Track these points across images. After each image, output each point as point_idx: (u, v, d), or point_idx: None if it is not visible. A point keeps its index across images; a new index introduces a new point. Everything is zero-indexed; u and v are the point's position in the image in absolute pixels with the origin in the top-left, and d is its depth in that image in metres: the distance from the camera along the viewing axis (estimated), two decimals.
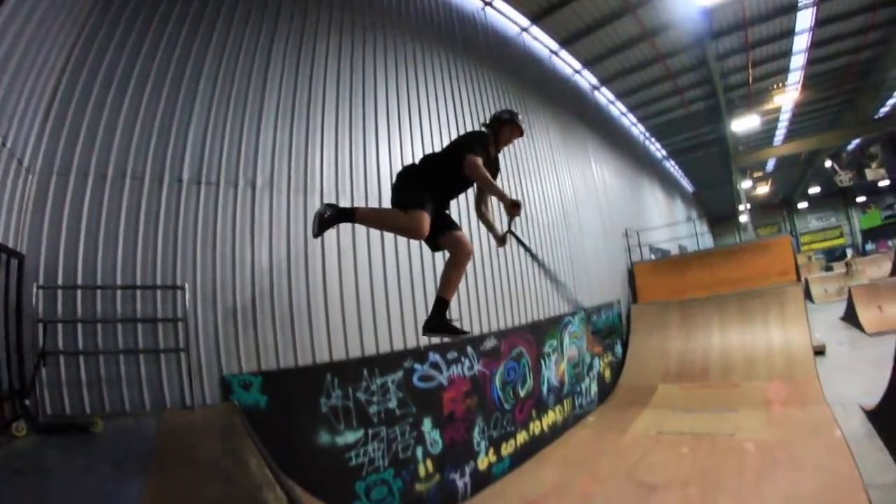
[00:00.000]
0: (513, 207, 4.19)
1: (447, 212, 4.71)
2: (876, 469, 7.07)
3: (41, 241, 5.16)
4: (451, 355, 8.23)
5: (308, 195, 7.12)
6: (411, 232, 4.29)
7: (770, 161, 34.36)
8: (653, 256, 19.09)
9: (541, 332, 10.61)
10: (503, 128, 4.77)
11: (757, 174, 36.27)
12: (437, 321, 4.58)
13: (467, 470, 8.19)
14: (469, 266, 8.75)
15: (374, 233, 7.49)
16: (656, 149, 27.58)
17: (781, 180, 40.41)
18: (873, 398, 8.86)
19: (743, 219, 33.31)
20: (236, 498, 3.53)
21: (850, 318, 16.16)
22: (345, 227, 6.98)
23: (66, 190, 5.40)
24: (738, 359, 12.78)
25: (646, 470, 8.44)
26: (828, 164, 33.35)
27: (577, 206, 13.73)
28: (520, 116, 4.82)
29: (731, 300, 13.88)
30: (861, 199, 43.52)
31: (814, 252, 41.37)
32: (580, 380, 11.97)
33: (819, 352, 12.65)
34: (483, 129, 4.84)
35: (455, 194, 4.80)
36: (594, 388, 12.60)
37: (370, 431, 6.92)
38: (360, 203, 7.62)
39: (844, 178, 33.02)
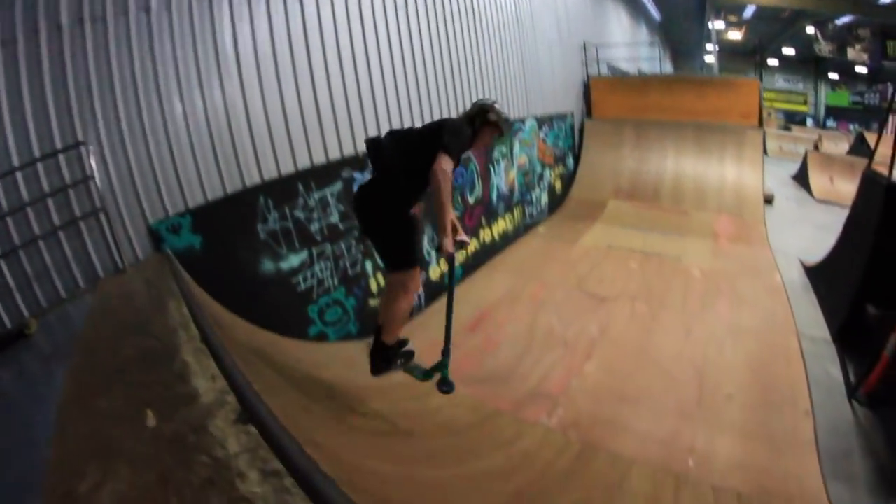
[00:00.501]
0: (441, 253, 3.66)
1: None
2: (808, 321, 7.32)
3: None
4: None
5: (214, 11, 5.75)
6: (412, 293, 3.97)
7: (750, 8, 32.64)
8: (609, 74, 18.23)
9: None
10: (485, 129, 4.12)
11: (732, 18, 34.76)
12: (382, 363, 4.18)
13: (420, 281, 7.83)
14: (414, 64, 7.95)
15: (296, 34, 6.39)
16: None
17: (756, 31, 38.74)
18: (813, 256, 9.08)
19: (709, 59, 32.47)
20: (151, 349, 3.29)
21: (802, 179, 16.51)
22: (263, 26, 6.00)
23: None
24: (689, 187, 12.77)
25: (596, 281, 8.45)
26: (811, 29, 32.02)
27: (531, 10, 12.40)
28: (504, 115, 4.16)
29: (689, 129, 13.58)
30: (834, 75, 42.86)
31: (774, 110, 41.27)
32: (530, 189, 11.65)
33: (768, 200, 12.88)
34: (464, 120, 4.14)
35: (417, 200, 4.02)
36: (545, 199, 12.37)
37: (314, 251, 6.37)
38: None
39: (824, 49, 32.14)
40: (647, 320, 7.29)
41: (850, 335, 6.65)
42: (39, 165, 4.61)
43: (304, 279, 6.25)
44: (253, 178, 5.85)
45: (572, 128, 14.17)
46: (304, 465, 2.06)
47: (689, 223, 11.55)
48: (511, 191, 10.72)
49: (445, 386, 4.34)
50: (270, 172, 6.00)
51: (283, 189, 6.07)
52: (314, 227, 6.36)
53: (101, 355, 3.42)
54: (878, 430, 5.23)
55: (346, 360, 5.86)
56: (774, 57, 42.48)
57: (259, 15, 5.97)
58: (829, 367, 6.34)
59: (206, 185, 5.50)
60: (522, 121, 11.27)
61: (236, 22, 5.81)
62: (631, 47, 22.37)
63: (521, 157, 11.10)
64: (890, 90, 29.57)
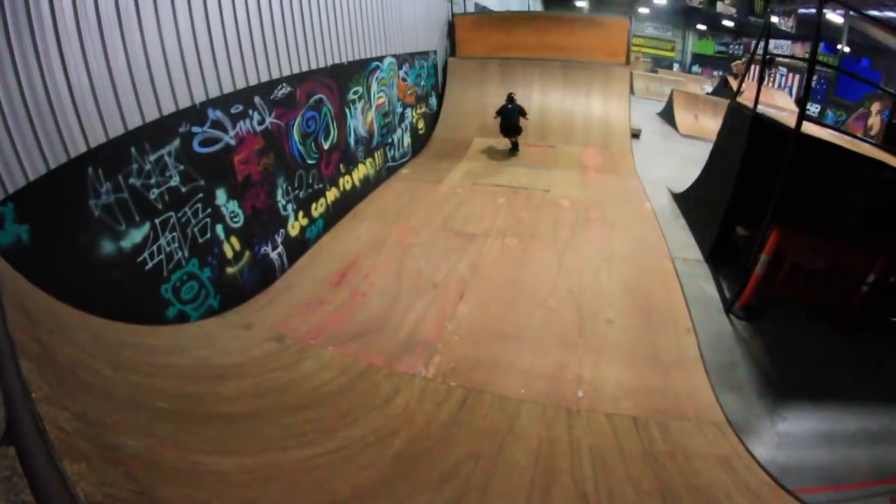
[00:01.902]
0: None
1: None
2: (679, 244, 7.50)
3: None
4: (236, 109, 6.62)
5: None
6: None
7: None
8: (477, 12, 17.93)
9: (343, 76, 9.21)
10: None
11: None
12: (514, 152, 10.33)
13: (278, 239, 7.27)
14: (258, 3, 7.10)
15: None
16: None
17: None
18: (679, 186, 9.33)
19: (580, 3, 32.98)
20: None
21: (667, 116, 17.10)
22: None
23: None
24: (556, 122, 12.74)
25: (462, 219, 8.14)
26: None
27: None
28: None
29: (555, 66, 13.50)
30: (702, 26, 45.50)
31: (643, 55, 43.02)
32: (391, 131, 11.13)
33: (635, 135, 13.12)
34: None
35: None
36: (407, 140, 11.90)
37: (157, 222, 5.49)
38: None
39: (695, 0, 33.86)
40: (518, 253, 7.08)
41: (722, 255, 6.91)
42: None
43: (151, 256, 5.42)
44: (78, 147, 4.85)
45: (435, 66, 13.75)
46: (51, 491, 1.64)
47: (557, 156, 11.50)
48: (370, 134, 10.14)
49: None
50: (97, 137, 5.01)
51: (114, 155, 5.15)
52: (153, 194, 5.48)
53: None
54: (757, 340, 5.52)
55: (206, 338, 5.35)
56: (645, 6, 44.32)
57: None
58: (705, 285, 6.51)
59: (24, 162, 4.48)
60: (380, 59, 10.62)
61: None
62: None
63: (379, 98, 10.49)
64: (755, 44, 31.80)
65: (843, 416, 4.60)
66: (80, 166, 4.81)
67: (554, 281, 6.39)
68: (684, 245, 7.45)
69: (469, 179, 10.01)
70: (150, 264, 5.38)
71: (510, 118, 11.12)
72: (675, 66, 43.57)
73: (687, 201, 8.76)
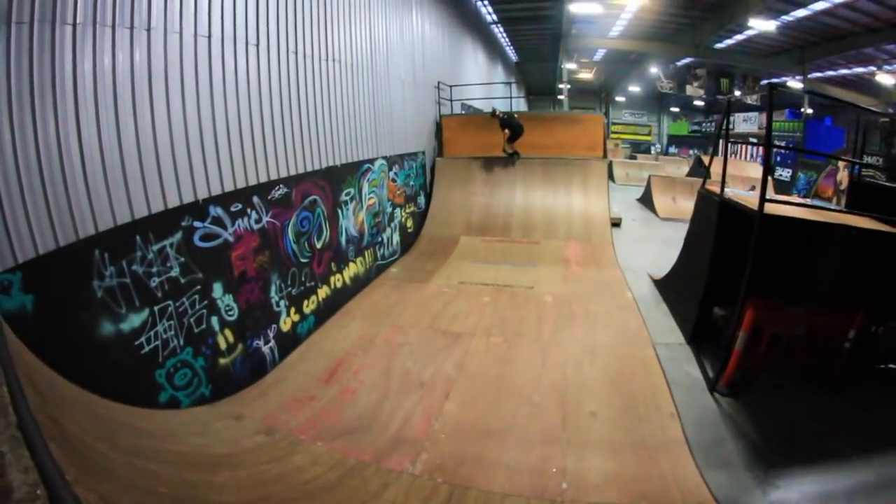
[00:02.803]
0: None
1: None
2: (661, 330, 7.71)
3: None
4: (235, 207, 6.99)
5: (56, 37, 5.02)
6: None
7: (600, 51, 34.88)
8: (463, 112, 18.67)
9: (336, 178, 9.62)
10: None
11: (584, 60, 36.70)
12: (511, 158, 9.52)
13: (270, 334, 7.44)
14: (254, 103, 7.46)
15: (140, 72, 5.69)
16: (487, 12, 25.97)
17: (606, 71, 41.32)
18: (660, 270, 9.62)
19: (562, 97, 34.20)
20: None
21: (646, 201, 17.71)
22: (107, 60, 5.40)
23: None
24: (539, 219, 13.07)
25: (449, 319, 8.34)
26: (654, 70, 35.08)
27: (387, 51, 12.34)
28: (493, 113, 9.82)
29: (537, 164, 14.00)
30: (675, 109, 47.59)
31: (622, 141, 44.50)
32: (381, 230, 11.44)
33: (615, 224, 13.53)
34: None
35: None
36: (396, 239, 12.20)
37: (156, 309, 5.74)
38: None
39: (666, 86, 35.76)
40: (503, 351, 7.26)
41: (703, 336, 7.13)
42: None
43: (148, 340, 5.60)
44: (87, 230, 5.15)
45: (423, 167, 14.21)
46: None
47: (540, 252, 11.78)
48: (361, 233, 10.46)
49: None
50: (105, 221, 5.31)
51: (120, 241, 5.43)
52: (154, 282, 5.74)
53: None
54: (743, 414, 5.64)
55: (200, 426, 5.47)
56: (622, 94, 46.14)
57: (103, 48, 5.35)
58: (687, 367, 6.69)
59: (36, 236, 4.74)
60: (371, 161, 11.08)
61: (78, 53, 5.15)
62: (487, 87, 23.03)
63: (370, 199, 10.87)
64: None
65: (838, 472, 4.68)
66: (88, 247, 5.12)
67: (538, 377, 6.55)
68: (666, 329, 7.67)
69: (456, 278, 10.24)
70: (147, 349, 5.57)
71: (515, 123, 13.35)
72: (654, 149, 45.29)
73: (666, 286, 9.03)
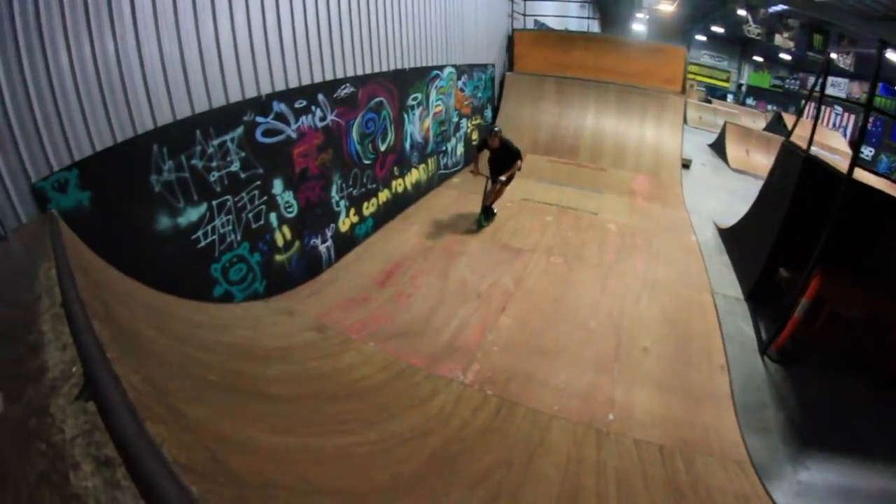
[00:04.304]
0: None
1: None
2: (721, 280, 7.46)
3: None
4: (300, 104, 6.88)
5: None
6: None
7: None
8: (536, 29, 17.85)
9: (404, 82, 9.40)
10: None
11: None
12: (484, 216, 8.82)
13: (328, 233, 7.44)
14: (321, 1, 7.31)
15: None
16: None
17: (688, 5, 39.36)
18: (726, 220, 9.28)
19: (638, 27, 32.62)
20: (10, 320, 2.85)
21: (718, 148, 16.87)
22: None
23: None
24: (608, 146, 12.69)
25: (511, 234, 8.25)
26: (742, 11, 32.50)
27: None
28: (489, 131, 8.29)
29: (611, 90, 13.45)
30: (758, 58, 44.06)
31: (697, 83, 42.11)
32: (446, 139, 11.27)
33: (685, 165, 13.01)
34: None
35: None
36: (460, 150, 12.03)
37: (214, 203, 5.73)
38: None
39: (753, 31, 32.83)
40: (562, 272, 7.16)
41: (762, 295, 6.82)
42: None
43: (205, 235, 5.64)
44: (145, 124, 5.08)
45: (493, 80, 13.78)
46: (139, 450, 1.64)
47: (607, 180, 11.49)
48: (426, 140, 10.31)
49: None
50: (164, 116, 5.22)
51: (179, 135, 5.38)
52: (213, 176, 5.71)
53: None
54: (789, 384, 5.41)
55: (252, 320, 5.52)
56: (703, 34, 43.50)
57: None
58: (742, 324, 6.45)
59: (93, 133, 4.68)
60: (440, 68, 10.79)
61: None
62: (561, 6, 22.10)
63: (437, 106, 10.65)
64: (811, 80, 30.92)
65: (866, 473, 4.53)
66: (146, 142, 5.07)
67: (596, 303, 6.46)
68: (726, 281, 7.42)
69: (519, 194, 10.04)
70: (203, 243, 5.61)
71: (501, 157, 8.38)
72: (730, 98, 42.14)
73: (732, 238, 8.71)
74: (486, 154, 8.51)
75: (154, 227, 5.14)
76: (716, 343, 5.95)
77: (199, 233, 5.56)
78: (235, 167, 5.94)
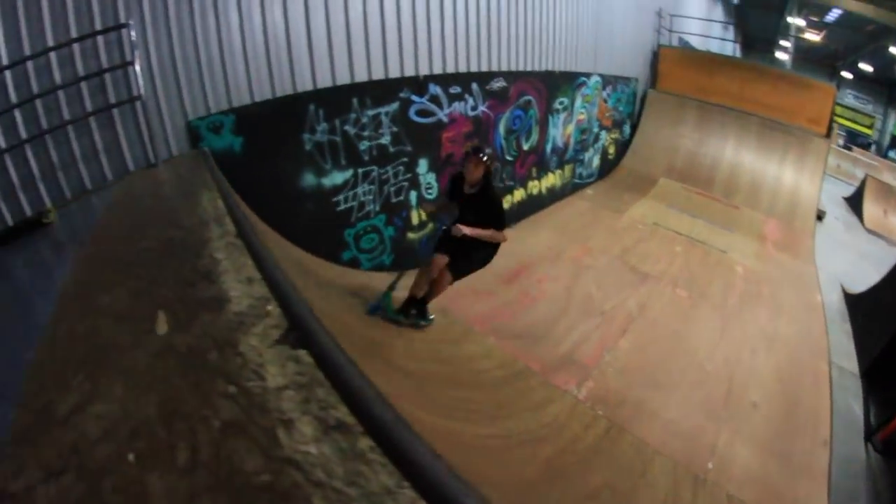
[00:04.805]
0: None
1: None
2: (839, 349, 7.13)
3: None
4: (454, 90, 7.20)
5: None
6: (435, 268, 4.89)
7: (834, 11, 30.98)
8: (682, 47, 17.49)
9: (553, 84, 9.54)
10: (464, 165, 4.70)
11: (813, 17, 32.91)
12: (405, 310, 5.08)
13: None
14: None
15: None
16: None
17: (835, 38, 36.83)
18: (853, 284, 8.86)
19: (781, 56, 31.10)
20: (174, 240, 2.85)
21: (854, 203, 15.77)
22: None
23: None
24: (744, 182, 12.36)
25: (639, 257, 8.27)
26: (894, 49, 30.41)
27: None
28: (473, 149, 4.71)
29: (753, 122, 13.03)
30: None
31: (837, 126, 39.49)
32: (585, 148, 11.31)
33: (819, 216, 12.38)
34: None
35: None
36: (596, 161, 12.03)
37: (360, 171, 6.09)
38: None
39: None
40: (686, 307, 7.14)
41: (879, 375, 6.53)
42: (76, 46, 4.27)
43: (346, 199, 6.04)
44: (305, 85, 5.52)
45: (635, 95, 13.65)
46: (385, 419, 1.44)
47: (739, 219, 11.24)
48: (566, 146, 10.40)
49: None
50: (325, 80, 5.67)
51: (337, 100, 5.74)
52: (363, 145, 6.08)
53: (115, 246, 3.07)
54: (888, 480, 5.17)
55: (379, 291, 5.68)
56: (849, 70, 40.64)
57: None
58: (852, 401, 6.22)
59: (254, 86, 5.17)
60: (588, 76, 10.81)
61: None
62: (705, 25, 21.43)
63: (581, 114, 10.72)
64: None
65: None
66: (304, 102, 5.44)
67: (714, 346, 6.42)
68: (844, 352, 7.13)
69: (651, 218, 10.04)
70: (342, 207, 5.97)
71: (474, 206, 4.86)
72: (872, 148, 39.35)
73: (857, 306, 8.33)
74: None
75: (298, 182, 5.52)
76: (823, 416, 5.78)
77: (340, 196, 5.94)
78: (386, 140, 6.30)
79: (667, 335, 6.43)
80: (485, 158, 4.52)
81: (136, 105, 4.47)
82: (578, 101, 10.51)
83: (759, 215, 11.53)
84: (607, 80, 11.74)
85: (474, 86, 7.50)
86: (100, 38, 4.34)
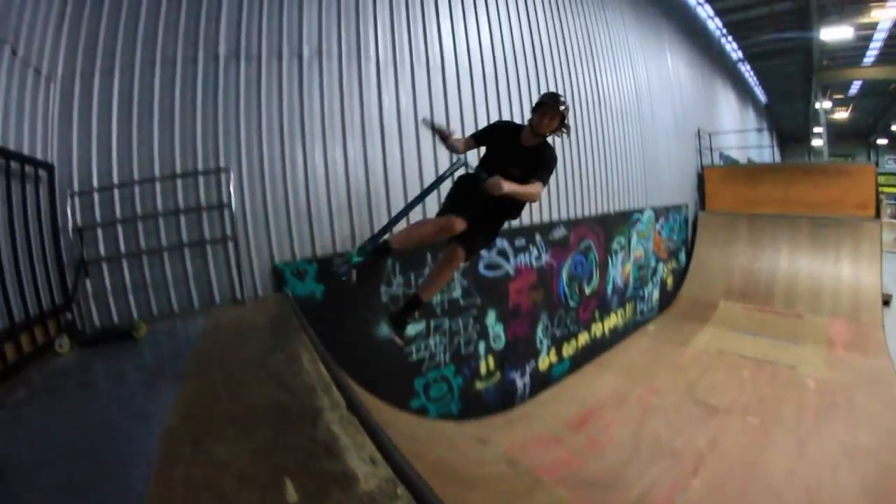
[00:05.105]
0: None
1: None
2: None
3: (71, 147, 4.84)
4: (520, 242, 7.78)
5: (362, 64, 6.33)
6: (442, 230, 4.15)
7: (855, 84, 31.00)
8: (721, 163, 17.96)
9: (610, 226, 10.08)
10: (535, 112, 4.18)
11: (838, 96, 32.67)
12: (401, 316, 4.60)
13: (528, 369, 7.99)
14: None
15: (438, 104, 6.96)
16: (732, 49, 24.81)
17: (863, 109, 36.35)
18: None
19: (816, 142, 31.11)
20: (283, 404, 2.96)
21: None
22: (407, 95, 6.53)
23: (91, 90, 4.96)
24: (803, 288, 12.28)
25: (706, 389, 8.33)
26: None
27: (650, 97, 12.64)
28: (551, 98, 4.17)
29: (803, 223, 13.12)
30: None
31: (885, 196, 37.99)
32: (644, 284, 11.59)
33: (886, 301, 12.02)
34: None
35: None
36: (656, 295, 12.25)
37: (432, 324, 6.57)
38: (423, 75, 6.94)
39: None
40: (758, 435, 7.11)
41: None
42: (178, 181, 5.14)
43: (417, 350, 6.45)
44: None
45: (686, 220, 14.09)
46: None
47: (803, 328, 11.15)
48: (625, 285, 10.77)
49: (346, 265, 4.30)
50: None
51: (413, 256, 6.28)
52: (436, 299, 6.55)
53: (218, 389, 3.22)
54: None
55: (447, 440, 5.97)
56: (883, 136, 39.99)
57: (404, 84, 6.54)
58: None
59: (337, 238, 5.91)
60: (641, 211, 11.38)
61: (382, 87, 6.41)
62: (742, 134, 22.04)
63: (637, 250, 11.18)
64: None
65: None
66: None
67: (791, 471, 6.34)
68: None
69: (714, 345, 10.12)
70: (414, 357, 6.37)
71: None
72: None
73: None
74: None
75: (374, 332, 5.98)
76: None
77: (413, 347, 6.36)
78: (457, 294, 6.82)
79: (741, 468, 6.40)
80: (562, 108, 4.12)
81: (229, 243, 5.22)
82: (634, 239, 11.02)
83: (823, 319, 11.40)
84: (659, 212, 12.28)
85: (538, 237, 8.13)
86: (201, 177, 5.21)
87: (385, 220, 5.63)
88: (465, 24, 7.56)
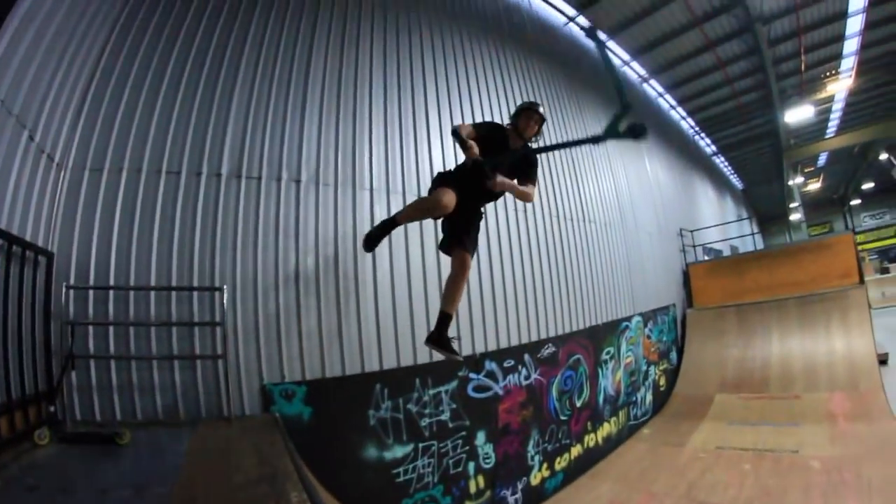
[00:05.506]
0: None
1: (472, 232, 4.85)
2: None
3: (72, 238, 4.97)
4: (508, 363, 7.89)
5: (357, 190, 6.73)
6: (436, 206, 4.45)
7: (822, 155, 32.51)
8: (706, 257, 18.32)
9: (599, 337, 10.19)
10: (519, 118, 4.80)
11: (808, 169, 34.13)
12: (437, 335, 4.76)
13: (519, 486, 7.87)
14: (526, 266, 8.53)
15: (428, 236, 7.16)
16: (706, 144, 26.34)
17: (834, 175, 37.96)
18: None
19: (795, 217, 31.94)
20: None
21: None
22: (396, 230, 6.66)
23: (98, 186, 5.18)
24: (798, 368, 12.11)
25: (707, 489, 8.08)
26: (883, 156, 30.30)
27: (632, 203, 13.15)
28: (532, 105, 4.83)
29: (790, 305, 13.16)
30: None
31: (868, 252, 38.42)
32: (636, 389, 11.53)
33: (882, 361, 11.93)
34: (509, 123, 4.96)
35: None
36: (649, 398, 12.13)
37: (420, 446, 6.57)
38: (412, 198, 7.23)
39: None
40: None
41: None
42: (173, 293, 5.22)
43: (405, 471, 6.39)
44: (372, 365, 6.33)
45: (675, 320, 14.21)
46: None
47: (802, 407, 10.94)
48: (617, 392, 10.73)
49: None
50: (390, 362, 6.49)
51: (400, 380, 6.45)
52: (424, 422, 6.62)
53: None
54: None
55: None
56: (856, 196, 41.28)
57: (397, 209, 6.56)
58: None
59: (326, 361, 5.98)
60: (629, 318, 11.52)
61: (375, 212, 6.78)
62: (723, 227, 22.88)
63: (627, 357, 11.23)
64: None
65: None
66: (370, 381, 6.19)
67: None
68: None
69: (712, 442, 9.93)
70: (402, 478, 6.31)
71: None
72: None
73: None
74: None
75: (361, 454, 6.00)
76: None
77: (401, 468, 6.32)
78: (445, 416, 6.87)
79: None
80: (542, 111, 4.76)
81: (219, 361, 5.20)
82: (624, 346, 11.12)
83: (821, 395, 11.20)
84: (647, 316, 12.46)
85: (526, 356, 8.25)
86: (195, 293, 5.30)
87: (373, 338, 6.45)
88: (456, 155, 7.94)
